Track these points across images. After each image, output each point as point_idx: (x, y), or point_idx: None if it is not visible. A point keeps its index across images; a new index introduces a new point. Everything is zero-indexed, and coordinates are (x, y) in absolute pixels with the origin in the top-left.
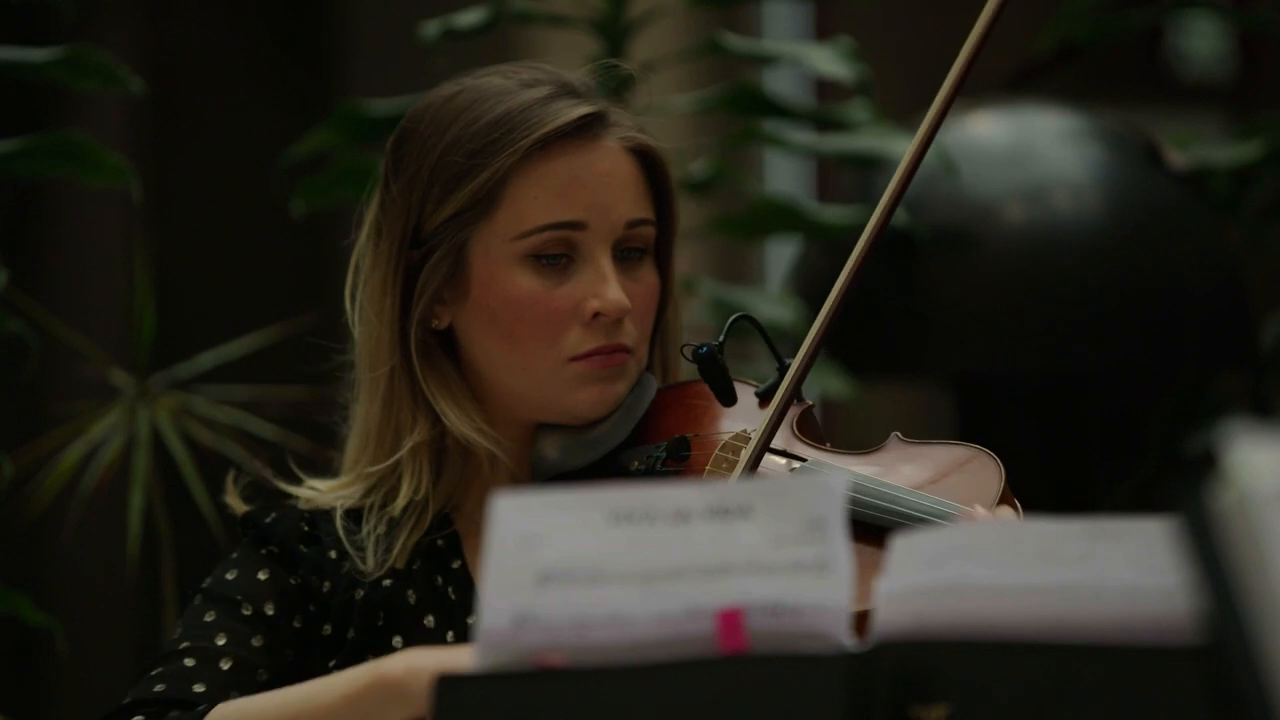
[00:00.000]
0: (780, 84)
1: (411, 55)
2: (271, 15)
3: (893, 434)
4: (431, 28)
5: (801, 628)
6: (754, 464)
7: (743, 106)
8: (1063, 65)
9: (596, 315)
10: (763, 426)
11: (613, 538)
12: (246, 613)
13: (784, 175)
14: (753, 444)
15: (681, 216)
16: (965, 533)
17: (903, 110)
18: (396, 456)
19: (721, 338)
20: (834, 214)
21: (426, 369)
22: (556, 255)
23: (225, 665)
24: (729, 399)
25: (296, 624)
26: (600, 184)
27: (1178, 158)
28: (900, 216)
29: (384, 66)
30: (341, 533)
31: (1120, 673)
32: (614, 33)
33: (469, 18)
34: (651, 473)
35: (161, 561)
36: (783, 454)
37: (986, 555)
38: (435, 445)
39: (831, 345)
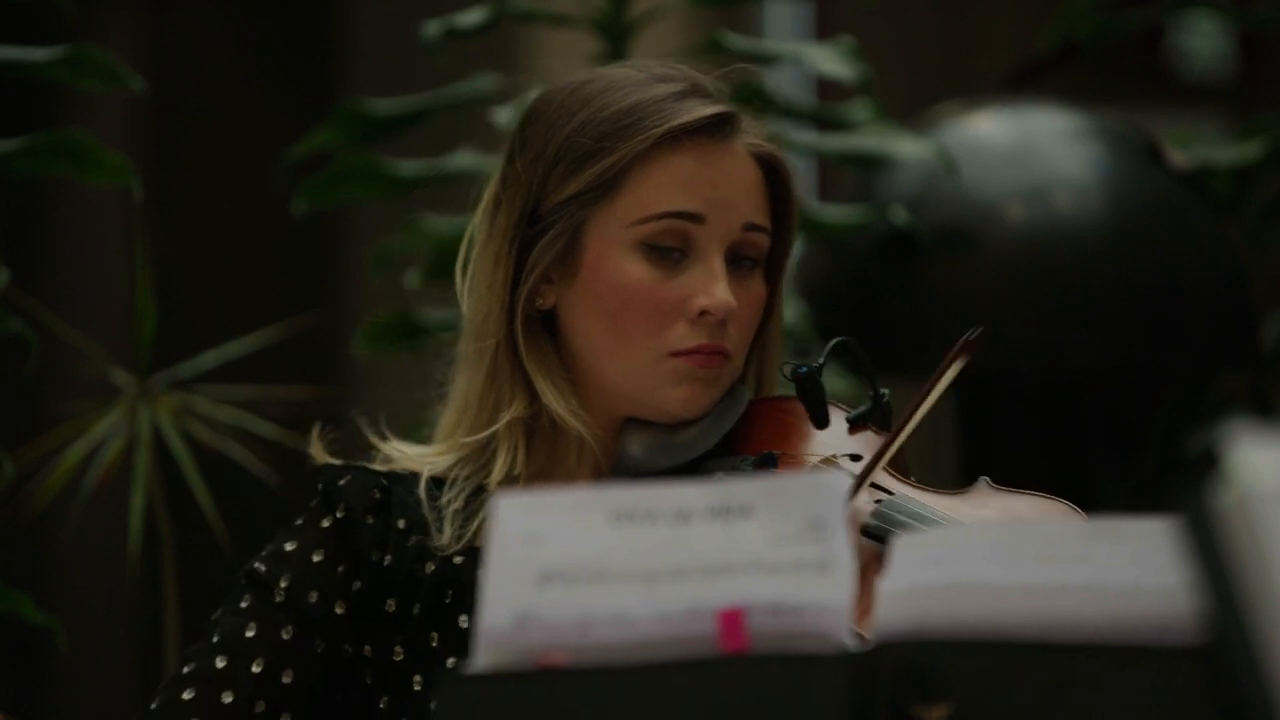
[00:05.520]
0: (781, 83)
1: (412, 55)
2: (272, 14)
3: (981, 478)
4: (432, 27)
5: (803, 627)
6: (851, 493)
7: (744, 106)
8: (1063, 65)
9: (703, 313)
10: (871, 461)
11: (614, 537)
12: (280, 599)
13: None
14: (861, 473)
15: None
16: (967, 533)
17: (904, 110)
18: (493, 429)
19: (821, 360)
20: (835, 213)
21: (529, 346)
22: (671, 248)
23: (256, 669)
24: (822, 421)
25: (339, 610)
26: (724, 182)
27: (1179, 157)
28: (901, 215)
29: (385, 66)
30: (424, 497)
31: (1121, 672)
32: (615, 32)
33: (470, 17)
34: None
35: (162, 561)
36: (871, 485)
37: (988, 555)
38: (529, 424)
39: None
